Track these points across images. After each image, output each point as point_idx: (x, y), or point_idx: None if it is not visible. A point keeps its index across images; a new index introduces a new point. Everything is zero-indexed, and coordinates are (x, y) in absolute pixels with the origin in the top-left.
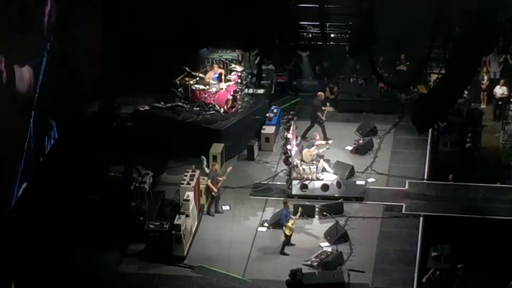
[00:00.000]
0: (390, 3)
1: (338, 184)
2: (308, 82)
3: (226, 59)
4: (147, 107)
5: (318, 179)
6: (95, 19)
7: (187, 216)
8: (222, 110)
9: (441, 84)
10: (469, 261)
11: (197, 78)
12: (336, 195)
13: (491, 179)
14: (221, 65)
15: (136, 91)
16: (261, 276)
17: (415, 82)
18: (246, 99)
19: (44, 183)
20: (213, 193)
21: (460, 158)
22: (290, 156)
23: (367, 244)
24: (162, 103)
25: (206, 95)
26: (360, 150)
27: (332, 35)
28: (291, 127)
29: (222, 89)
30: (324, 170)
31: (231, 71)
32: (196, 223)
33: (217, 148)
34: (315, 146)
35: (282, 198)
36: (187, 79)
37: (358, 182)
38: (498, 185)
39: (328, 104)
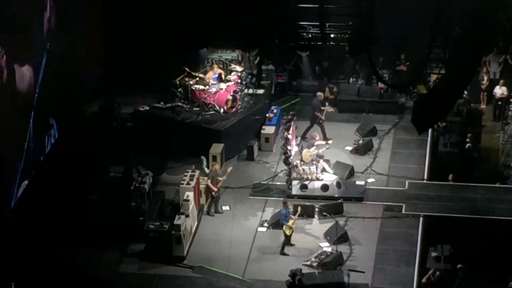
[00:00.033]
0: (390, 3)
1: (338, 184)
2: (308, 82)
3: (226, 59)
4: (147, 107)
5: (318, 179)
6: (95, 19)
7: (187, 216)
8: (222, 110)
9: (441, 84)
10: (469, 261)
11: (197, 78)
12: (336, 195)
13: (491, 179)
14: (221, 65)
15: (136, 91)
16: (261, 276)
17: (415, 82)
18: (246, 99)
19: (44, 183)
20: (213, 193)
21: (459, 159)
22: (290, 156)
23: (367, 244)
24: (162, 103)
25: (206, 95)
26: (360, 150)
27: (332, 35)
28: (291, 127)
29: (222, 89)
30: (324, 170)
31: (231, 71)
32: (196, 223)
33: (217, 148)
34: (314, 146)
35: (282, 198)
36: (187, 79)
37: (358, 182)
38: (497, 185)
39: (327, 104)
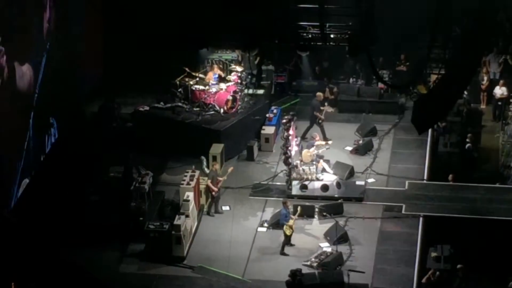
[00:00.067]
0: (390, 3)
1: (338, 185)
2: (308, 82)
3: (226, 59)
4: (147, 108)
5: (318, 179)
6: (95, 19)
7: (187, 216)
8: (222, 111)
9: (441, 85)
10: (469, 262)
11: (197, 79)
12: (336, 196)
13: (491, 180)
14: (220, 66)
15: (136, 92)
16: (261, 276)
17: (415, 82)
18: (246, 99)
19: (44, 183)
20: (213, 193)
21: (459, 159)
22: (290, 156)
23: (367, 244)
24: (162, 103)
25: (206, 96)
26: (359, 151)
27: (331, 36)
28: (291, 128)
29: (222, 89)
30: (323, 170)
31: (231, 71)
32: (196, 223)
33: (217, 149)
34: (314, 147)
35: (282, 199)
36: (187, 79)
37: (357, 183)
38: (497, 185)
39: (326, 104)
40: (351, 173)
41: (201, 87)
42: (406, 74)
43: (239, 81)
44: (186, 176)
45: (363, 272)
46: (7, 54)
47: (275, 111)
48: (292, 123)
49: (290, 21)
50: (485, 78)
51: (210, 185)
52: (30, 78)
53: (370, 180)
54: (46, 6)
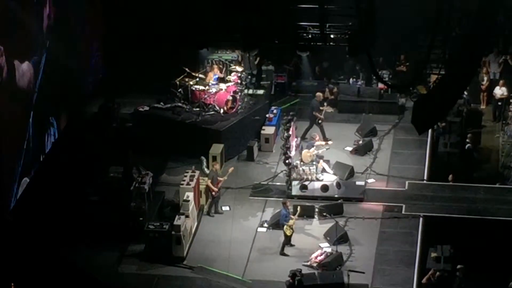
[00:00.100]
0: (390, 3)
1: (338, 185)
2: (308, 82)
3: (226, 59)
4: (146, 108)
5: (317, 179)
6: (95, 19)
7: (187, 216)
8: (221, 111)
9: (440, 85)
10: (469, 262)
11: (197, 79)
12: (335, 196)
13: (491, 180)
14: (220, 66)
15: (136, 92)
16: (261, 276)
17: (414, 82)
18: (246, 99)
19: (44, 183)
20: (213, 194)
21: (459, 159)
22: (289, 156)
23: (367, 244)
24: (161, 103)
25: (205, 96)
26: (359, 151)
27: (331, 36)
28: (291, 128)
29: (221, 89)
30: (323, 170)
31: (231, 71)
32: (196, 223)
33: (216, 149)
34: (314, 147)
35: (282, 199)
36: (186, 79)
37: (357, 183)
38: (497, 186)
39: (325, 104)
40: (351, 173)
41: (201, 87)
42: (406, 74)
43: (239, 81)
44: (186, 176)
45: (363, 273)
46: (6, 53)
47: (275, 111)
48: (292, 123)
49: (290, 21)
50: (485, 78)
51: (210, 185)
52: (30, 77)
53: (370, 180)
54: (45, 4)
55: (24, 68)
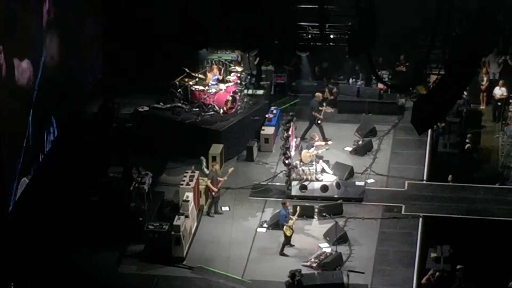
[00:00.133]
0: (390, 3)
1: (338, 185)
2: (308, 83)
3: (226, 60)
4: (146, 108)
5: (317, 180)
6: (95, 18)
7: (187, 217)
8: (221, 111)
9: (440, 85)
10: (469, 262)
11: (197, 79)
12: (335, 196)
13: (490, 180)
14: (220, 66)
15: (135, 92)
16: (261, 277)
17: (414, 83)
18: (245, 100)
19: (44, 183)
20: (213, 194)
21: (459, 159)
22: (289, 157)
23: (367, 245)
24: (161, 103)
25: (205, 96)
26: (359, 151)
27: (331, 36)
28: (291, 128)
29: (221, 90)
30: (323, 171)
31: (231, 72)
32: (195, 223)
33: (216, 149)
34: (314, 147)
35: (281, 199)
36: (186, 79)
37: (357, 183)
38: (497, 186)
39: (325, 104)
40: (351, 173)
41: (201, 88)
42: (405, 74)
43: (238, 81)
44: (185, 176)
45: (363, 273)
46: (6, 51)
47: (274, 111)
48: (291, 123)
49: (289, 21)
50: (485, 78)
51: (210, 185)
52: (30, 75)
53: (369, 181)
54: (45, 3)
55: (24, 66)
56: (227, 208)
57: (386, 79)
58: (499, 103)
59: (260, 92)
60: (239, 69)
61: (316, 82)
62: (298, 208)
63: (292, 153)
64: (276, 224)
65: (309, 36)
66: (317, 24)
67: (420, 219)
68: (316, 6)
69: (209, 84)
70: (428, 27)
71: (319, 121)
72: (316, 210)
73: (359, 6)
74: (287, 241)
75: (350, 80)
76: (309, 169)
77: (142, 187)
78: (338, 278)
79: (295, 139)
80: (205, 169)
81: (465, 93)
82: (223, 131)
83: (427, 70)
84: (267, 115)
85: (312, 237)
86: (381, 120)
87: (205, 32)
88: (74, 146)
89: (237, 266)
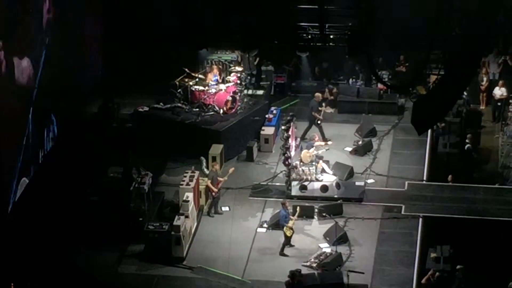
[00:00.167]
0: (390, 4)
1: (338, 185)
2: (308, 83)
3: (226, 60)
4: (146, 108)
5: (317, 180)
6: (95, 18)
7: (187, 217)
8: (221, 111)
9: (440, 85)
10: (469, 262)
11: (197, 79)
12: (335, 196)
13: (490, 180)
14: (220, 66)
15: (135, 92)
16: (261, 277)
17: (414, 83)
18: (245, 100)
19: (44, 184)
20: (213, 194)
21: (459, 159)
22: (289, 157)
23: (366, 245)
24: (161, 104)
25: (205, 96)
26: (359, 151)
27: (331, 36)
28: (291, 128)
29: (221, 90)
30: (323, 171)
31: (231, 72)
32: (195, 224)
33: (216, 149)
34: (314, 147)
35: (281, 199)
36: (186, 80)
37: (357, 183)
38: (497, 186)
39: (324, 104)
40: (351, 173)
41: (201, 88)
42: (405, 74)
43: (238, 81)
44: (185, 176)
45: (363, 273)
46: (6, 49)
47: (274, 111)
48: (291, 123)
49: (289, 21)
50: (485, 78)
51: (210, 185)
52: (30, 73)
53: (369, 181)
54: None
55: (24, 64)
56: (227, 208)
57: (386, 79)
58: (499, 103)
59: (260, 92)
60: (239, 69)
61: (316, 82)
62: (298, 208)
63: (292, 153)
64: (276, 224)
65: (309, 36)
66: (317, 24)
67: (420, 219)
68: (316, 6)
69: (209, 84)
70: (428, 27)
71: (318, 122)
72: (316, 210)
73: (359, 6)
74: (287, 241)
75: (350, 81)
76: (309, 169)
77: (142, 187)
78: (338, 278)
79: (295, 139)
80: (205, 169)
81: (465, 93)
82: (223, 131)
83: (427, 70)
84: (267, 115)
85: (312, 237)
86: (381, 120)
87: (205, 32)
88: (74, 146)
89: (237, 266)
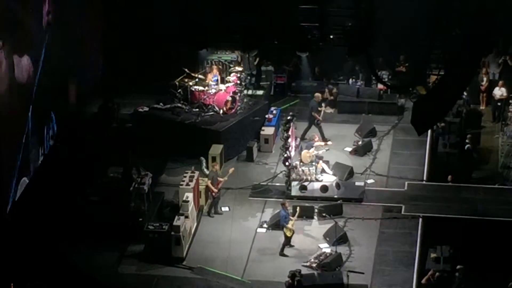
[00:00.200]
0: (390, 4)
1: (337, 185)
2: (308, 83)
3: (226, 60)
4: (146, 108)
5: (317, 180)
6: (95, 19)
7: (186, 217)
8: (221, 111)
9: (440, 85)
10: (468, 262)
11: (197, 79)
12: (335, 196)
13: (490, 180)
14: (220, 66)
15: (135, 92)
16: (260, 277)
17: (414, 83)
18: (245, 100)
19: (43, 184)
20: (213, 194)
21: (459, 159)
22: (289, 157)
23: (366, 245)
24: (161, 104)
25: (205, 96)
26: (359, 151)
27: (331, 36)
28: (290, 128)
29: (221, 90)
30: (323, 171)
31: (230, 72)
32: (195, 224)
33: (216, 149)
34: (314, 147)
35: (281, 200)
36: (186, 80)
37: (357, 183)
38: (497, 186)
39: (324, 104)
40: (351, 173)
41: (201, 88)
42: (405, 75)
43: (238, 82)
44: (185, 176)
45: (363, 273)
46: (6, 49)
47: (274, 111)
48: (291, 124)
49: (290, 21)
50: (485, 78)
51: (210, 186)
52: (29, 71)
53: (369, 181)
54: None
55: (24, 62)
56: (227, 209)
57: (386, 80)
58: (499, 104)
59: (260, 92)
60: (239, 69)
61: (316, 82)
62: (298, 209)
63: (292, 153)
64: (276, 224)
65: (309, 36)
66: (317, 24)
67: (420, 219)
68: (316, 6)
69: (209, 85)
70: (428, 27)
71: (318, 122)
72: (316, 210)
73: (359, 6)
74: (287, 241)
75: (350, 81)
76: (309, 170)
77: (142, 187)
78: (338, 279)
79: (295, 140)
80: (205, 170)
81: (465, 93)
82: (223, 132)
83: (427, 70)
84: (267, 116)
85: (312, 238)
86: (381, 121)
87: (205, 32)
88: (74, 146)
89: (237, 266)
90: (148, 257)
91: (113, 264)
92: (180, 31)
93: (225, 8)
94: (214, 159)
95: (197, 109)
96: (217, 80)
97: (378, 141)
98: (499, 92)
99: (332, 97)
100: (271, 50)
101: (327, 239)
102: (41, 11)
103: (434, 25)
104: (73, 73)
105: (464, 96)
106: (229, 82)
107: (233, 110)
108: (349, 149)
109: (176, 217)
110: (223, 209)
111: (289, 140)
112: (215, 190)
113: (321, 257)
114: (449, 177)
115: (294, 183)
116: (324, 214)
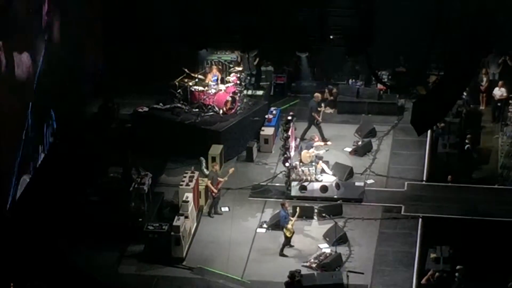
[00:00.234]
0: (390, 4)
1: (337, 186)
2: (307, 83)
3: (225, 60)
4: (146, 108)
5: (317, 180)
6: (95, 19)
7: (186, 217)
8: (221, 112)
9: (440, 86)
10: (468, 263)
11: (196, 80)
12: (335, 197)
13: (490, 181)
14: (220, 67)
15: (135, 92)
16: (260, 277)
17: (414, 83)
18: (245, 100)
19: (43, 184)
20: (213, 194)
21: (459, 160)
22: (289, 157)
23: (366, 245)
24: (161, 104)
25: (205, 97)
26: (359, 152)
27: (331, 36)
28: (290, 129)
29: (221, 90)
30: (323, 171)
31: (230, 72)
32: (195, 224)
33: (216, 150)
34: (313, 148)
35: (281, 200)
36: (186, 80)
37: (357, 184)
38: (496, 186)
39: (323, 105)
40: (350, 174)
41: (200, 88)
42: (405, 75)
43: (238, 82)
44: (185, 177)
45: (362, 273)
46: (6, 46)
47: (274, 112)
48: (291, 124)
49: (289, 21)
50: (485, 79)
51: (210, 186)
52: (29, 67)
53: (369, 181)
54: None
55: (24, 59)
56: (226, 209)
57: (386, 80)
58: (499, 104)
59: (260, 92)
60: (238, 69)
61: (316, 82)
62: (297, 209)
63: (292, 153)
64: (276, 224)
65: (309, 37)
66: (317, 24)
67: (420, 220)
68: (316, 7)
69: (209, 85)
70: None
71: (317, 122)
72: (315, 210)
73: (359, 6)
74: (287, 241)
75: (350, 81)
76: (308, 170)
77: (142, 187)
78: (337, 279)
79: (294, 140)
80: (205, 170)
81: (465, 93)
82: (223, 132)
83: (427, 70)
84: (266, 116)
85: (312, 238)
86: (381, 121)
87: (205, 32)
88: (74, 146)
89: (237, 266)
90: (148, 257)
91: (113, 264)
92: (180, 31)
93: (225, 8)
94: (214, 159)
95: (197, 109)
96: (217, 80)
97: (378, 142)
98: (499, 92)
99: (332, 97)
100: (271, 50)
101: (327, 239)
102: (41, 11)
103: (434, 25)
104: (73, 74)
105: (464, 96)
106: (229, 82)
107: (233, 110)
108: (349, 149)
109: (176, 217)
110: (223, 209)
111: (289, 140)
112: (215, 190)
113: (321, 257)
114: (449, 177)
115: (294, 183)
116: (324, 214)
